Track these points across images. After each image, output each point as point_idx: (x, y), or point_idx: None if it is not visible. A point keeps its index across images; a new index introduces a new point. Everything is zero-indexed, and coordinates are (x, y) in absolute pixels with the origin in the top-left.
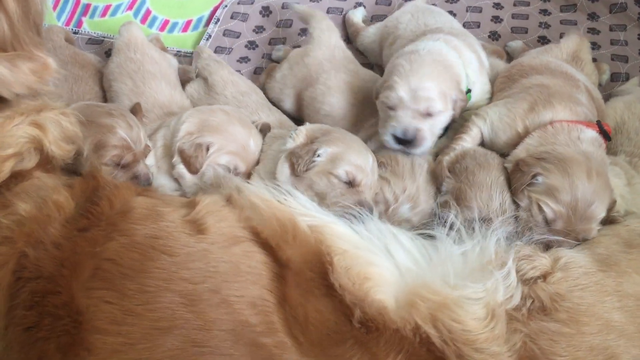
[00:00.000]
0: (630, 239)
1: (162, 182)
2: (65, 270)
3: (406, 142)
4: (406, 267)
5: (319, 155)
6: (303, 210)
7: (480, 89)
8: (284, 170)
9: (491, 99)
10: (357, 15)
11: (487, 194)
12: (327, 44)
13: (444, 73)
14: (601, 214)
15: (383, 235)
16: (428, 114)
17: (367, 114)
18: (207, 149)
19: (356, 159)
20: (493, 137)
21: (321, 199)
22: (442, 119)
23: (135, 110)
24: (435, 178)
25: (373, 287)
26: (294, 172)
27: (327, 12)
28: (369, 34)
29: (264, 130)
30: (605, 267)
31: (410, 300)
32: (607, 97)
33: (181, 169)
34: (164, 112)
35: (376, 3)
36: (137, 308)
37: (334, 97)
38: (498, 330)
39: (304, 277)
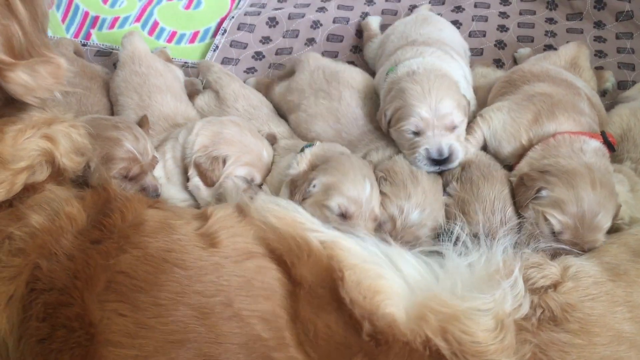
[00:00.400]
0: (638, 248)
1: (172, 193)
2: (79, 282)
3: (442, 160)
4: (415, 280)
5: (314, 186)
6: (313, 226)
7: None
8: (284, 195)
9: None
10: (374, 22)
11: (490, 208)
12: (308, 68)
13: (451, 85)
14: (607, 223)
15: (388, 252)
16: (453, 127)
17: (357, 136)
18: (224, 162)
19: (350, 191)
20: (496, 146)
21: None
22: (463, 127)
23: (142, 122)
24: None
25: (383, 300)
26: (293, 201)
27: (334, 22)
28: (374, 45)
29: (270, 140)
30: (615, 276)
31: (420, 313)
32: (612, 104)
33: (197, 181)
34: (169, 124)
35: (382, 12)
36: (151, 321)
37: (318, 125)
38: (507, 341)
39: (316, 294)
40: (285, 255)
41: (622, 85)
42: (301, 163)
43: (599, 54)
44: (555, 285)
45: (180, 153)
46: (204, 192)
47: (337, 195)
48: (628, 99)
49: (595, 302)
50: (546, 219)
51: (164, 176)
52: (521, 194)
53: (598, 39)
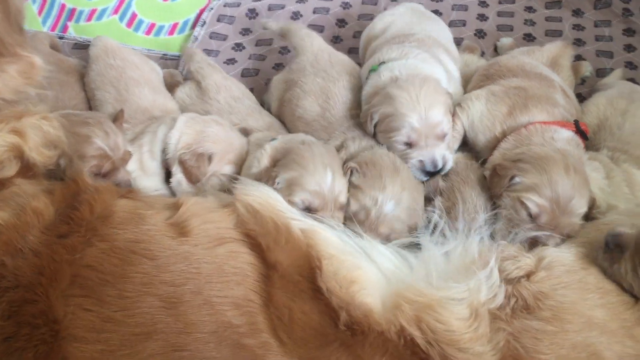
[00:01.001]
0: None
1: (146, 184)
2: (44, 278)
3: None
4: (390, 271)
5: (278, 183)
6: (292, 214)
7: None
8: None
9: None
10: None
11: (474, 209)
12: (310, 49)
13: (437, 88)
14: (582, 208)
15: (363, 244)
16: (444, 136)
17: (339, 119)
18: (210, 159)
19: (311, 184)
20: (473, 137)
21: None
22: (451, 133)
23: (117, 117)
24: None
25: (360, 290)
26: None
27: (314, 12)
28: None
29: (243, 134)
30: (588, 264)
31: (396, 303)
32: (590, 92)
33: (180, 178)
34: (146, 116)
35: (363, 2)
36: (116, 314)
37: (307, 101)
38: (481, 329)
39: (292, 279)
40: (262, 238)
41: (601, 73)
42: (262, 160)
43: (578, 42)
44: (528, 275)
45: (159, 147)
46: (185, 187)
47: (299, 190)
48: (605, 87)
49: (567, 289)
50: (522, 203)
51: (138, 168)
52: (495, 184)
53: (577, 27)
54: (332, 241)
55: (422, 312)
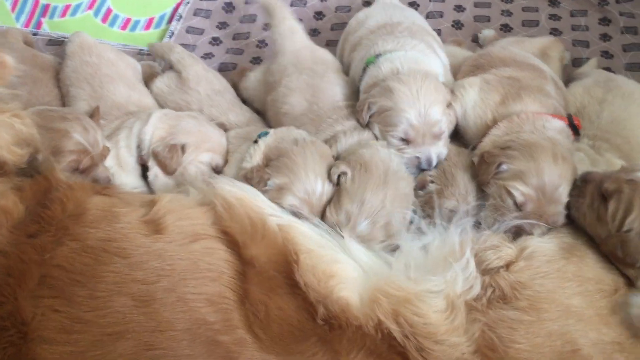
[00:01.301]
0: None
1: (124, 180)
2: (11, 279)
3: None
4: (369, 265)
5: (269, 186)
6: (270, 210)
7: None
8: None
9: None
10: None
11: (465, 189)
12: (290, 49)
13: (437, 86)
14: (568, 197)
15: (342, 240)
16: (441, 134)
17: (327, 111)
18: (183, 150)
19: (301, 191)
20: (465, 125)
21: None
22: (448, 130)
23: (93, 113)
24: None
25: (338, 285)
26: None
27: (291, 5)
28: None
29: (222, 129)
30: (569, 254)
31: (373, 297)
32: (567, 82)
33: (157, 171)
34: (121, 112)
35: (336, 11)
36: (87, 315)
37: (294, 97)
38: (458, 321)
39: (268, 275)
40: (238, 234)
41: (577, 63)
42: (255, 156)
43: (554, 31)
44: (507, 265)
45: (134, 143)
46: (162, 180)
47: (289, 196)
48: (581, 76)
49: (545, 279)
50: (508, 192)
51: (116, 164)
52: (482, 171)
53: (553, 16)
54: (311, 236)
55: (399, 305)
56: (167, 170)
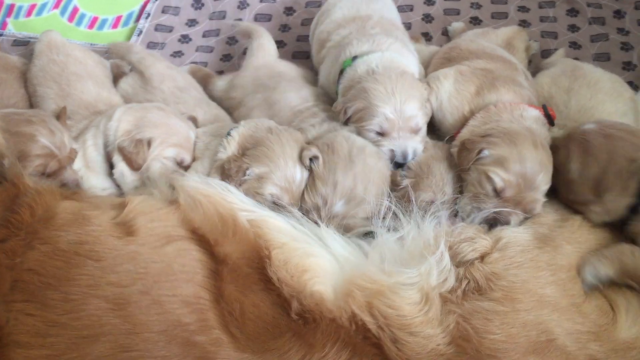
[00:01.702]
0: (565, 212)
1: (93, 182)
2: None
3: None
4: (344, 257)
5: (248, 175)
6: (242, 206)
7: None
8: (215, 180)
9: None
10: None
11: (442, 180)
12: (254, 65)
13: (413, 83)
14: (546, 184)
15: (318, 230)
16: (418, 130)
17: (288, 117)
18: (149, 144)
19: (281, 179)
20: (441, 117)
21: None
22: (425, 128)
23: (60, 114)
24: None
25: (312, 279)
26: None
27: (261, 1)
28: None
29: (194, 123)
30: (542, 243)
31: (347, 290)
32: (535, 72)
33: (123, 167)
34: (90, 111)
35: (306, 6)
36: (61, 318)
37: (254, 115)
38: (432, 313)
39: (241, 272)
40: (209, 233)
41: (546, 54)
42: (229, 146)
43: (523, 23)
44: (482, 257)
45: (102, 140)
46: (129, 177)
47: (269, 185)
48: (549, 66)
49: (519, 269)
50: (488, 177)
51: (84, 166)
52: (463, 158)
53: (522, 8)
54: (284, 229)
55: (373, 298)
56: (133, 166)
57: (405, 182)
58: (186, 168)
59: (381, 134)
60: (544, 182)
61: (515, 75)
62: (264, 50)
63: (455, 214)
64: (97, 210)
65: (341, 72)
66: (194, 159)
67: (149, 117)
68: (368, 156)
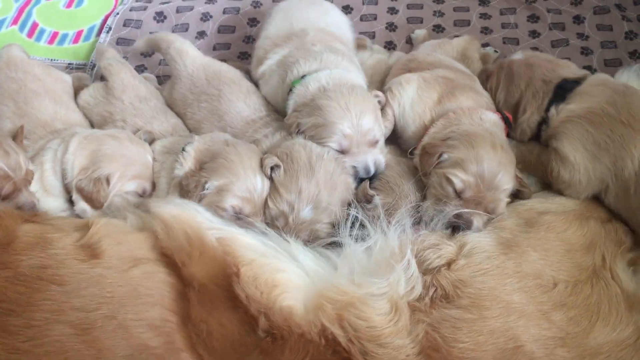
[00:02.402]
0: (530, 218)
1: (51, 205)
2: None
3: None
4: (314, 270)
5: (207, 189)
6: (211, 224)
7: None
8: (175, 198)
9: None
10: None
11: (415, 200)
12: (184, 73)
13: (365, 96)
14: (507, 184)
15: (287, 244)
16: (375, 142)
17: (242, 127)
18: (107, 181)
19: (242, 190)
20: (403, 125)
21: None
22: (383, 140)
23: (17, 134)
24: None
25: (281, 294)
26: None
27: (224, 12)
28: None
29: (149, 139)
30: (507, 249)
31: (318, 303)
32: None
33: (83, 205)
34: (47, 131)
35: (273, 0)
36: (24, 345)
37: (204, 129)
38: (401, 323)
39: (208, 292)
40: (176, 254)
41: None
42: (186, 162)
43: (485, 30)
44: (449, 264)
45: (59, 168)
46: (91, 212)
47: (230, 197)
48: None
49: (486, 276)
50: (448, 179)
51: (41, 188)
52: (424, 162)
53: (483, 15)
54: (253, 245)
55: (343, 310)
56: (95, 205)
57: (377, 200)
58: (150, 196)
59: (341, 151)
60: (503, 182)
61: (473, 84)
62: (187, 54)
63: (418, 221)
64: (60, 233)
65: (290, 90)
66: (154, 186)
67: (103, 150)
68: (327, 162)
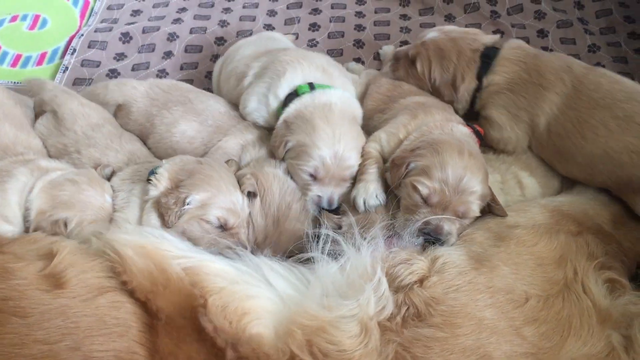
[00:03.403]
0: (499, 232)
1: (6, 228)
2: None
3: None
4: (287, 294)
5: (188, 204)
6: (177, 253)
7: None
8: (151, 220)
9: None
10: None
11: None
12: (134, 97)
13: (359, 134)
14: (475, 187)
15: (260, 267)
16: (350, 178)
17: (226, 120)
18: (65, 225)
19: (226, 202)
20: (386, 154)
21: (196, 243)
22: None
23: None
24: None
25: (251, 322)
26: (164, 224)
27: (191, 32)
28: None
29: (109, 174)
30: (478, 264)
31: (288, 329)
32: None
33: None
34: (7, 154)
35: (240, 19)
36: None
37: (180, 125)
38: (372, 344)
39: (175, 324)
40: (139, 290)
41: None
42: (160, 183)
43: None
44: (421, 280)
45: (24, 204)
46: None
47: (215, 208)
48: None
49: (458, 292)
50: (414, 187)
51: (1, 218)
52: (394, 174)
53: None
54: (223, 272)
55: (314, 335)
56: None
57: (350, 219)
58: None
59: (314, 177)
60: (470, 185)
61: (445, 107)
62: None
63: (391, 236)
64: (22, 262)
65: (287, 98)
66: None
67: (60, 195)
68: (295, 204)
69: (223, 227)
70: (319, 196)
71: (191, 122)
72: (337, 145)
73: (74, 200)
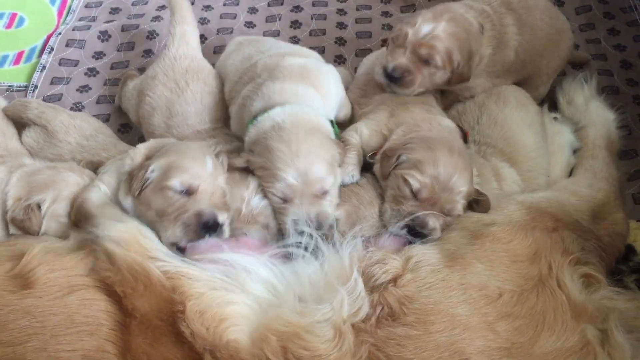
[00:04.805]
0: (475, 230)
1: None
2: None
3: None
4: (264, 299)
5: (152, 171)
6: (161, 256)
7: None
8: (122, 193)
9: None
10: None
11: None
12: (172, 54)
13: (322, 143)
14: (462, 187)
15: (238, 272)
16: (324, 193)
17: (189, 134)
18: (39, 207)
19: (190, 166)
20: (365, 147)
21: (162, 216)
22: (335, 189)
23: None
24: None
25: (229, 328)
26: (131, 192)
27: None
28: None
29: (92, 168)
30: (452, 261)
31: (263, 335)
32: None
33: None
34: None
35: (221, 17)
36: None
37: (154, 119)
38: (345, 347)
39: (151, 325)
40: (117, 285)
41: None
42: (136, 157)
43: None
44: (395, 279)
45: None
46: None
47: (177, 172)
48: None
49: (431, 290)
50: (405, 180)
51: None
52: (384, 165)
53: None
54: (201, 279)
55: (288, 342)
56: (31, 232)
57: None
58: None
59: (284, 199)
60: (458, 184)
61: (425, 100)
62: (188, 39)
63: (369, 237)
64: None
65: (251, 122)
66: None
67: (37, 179)
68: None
69: (187, 192)
70: (294, 220)
71: (161, 123)
72: (297, 161)
73: (50, 181)
